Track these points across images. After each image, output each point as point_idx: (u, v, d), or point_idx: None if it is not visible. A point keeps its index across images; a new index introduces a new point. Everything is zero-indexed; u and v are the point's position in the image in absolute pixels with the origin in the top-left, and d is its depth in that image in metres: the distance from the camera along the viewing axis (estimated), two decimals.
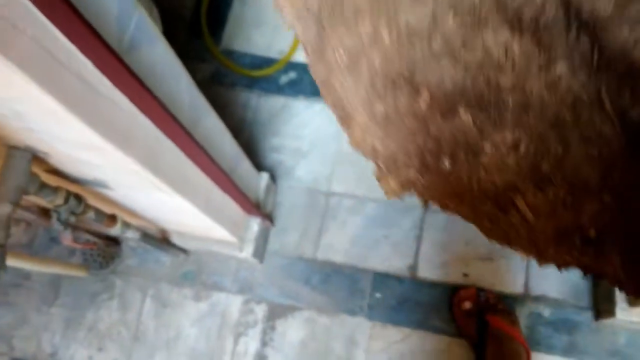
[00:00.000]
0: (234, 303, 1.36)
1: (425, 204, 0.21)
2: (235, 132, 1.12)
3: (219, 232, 1.17)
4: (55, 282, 1.40)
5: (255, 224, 1.30)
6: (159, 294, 1.37)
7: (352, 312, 1.32)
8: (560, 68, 0.19)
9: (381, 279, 1.34)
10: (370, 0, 0.20)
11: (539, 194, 0.19)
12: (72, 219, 0.86)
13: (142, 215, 1.13)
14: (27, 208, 1.06)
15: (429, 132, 0.20)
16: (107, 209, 0.97)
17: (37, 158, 0.76)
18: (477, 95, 0.19)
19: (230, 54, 1.54)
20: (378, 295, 1.33)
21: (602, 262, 0.19)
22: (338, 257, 1.36)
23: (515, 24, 0.19)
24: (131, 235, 1.05)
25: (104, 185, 0.89)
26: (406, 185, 0.21)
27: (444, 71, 0.19)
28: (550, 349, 1.25)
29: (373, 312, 1.32)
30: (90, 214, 0.89)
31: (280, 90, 1.50)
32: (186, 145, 0.82)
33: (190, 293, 1.37)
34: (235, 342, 1.33)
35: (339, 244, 1.37)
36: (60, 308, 1.39)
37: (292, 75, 1.50)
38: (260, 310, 1.35)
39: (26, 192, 0.73)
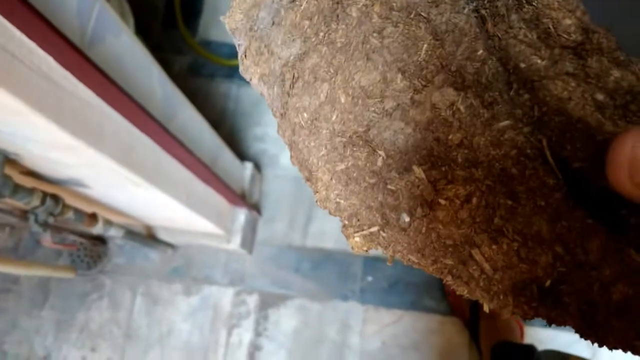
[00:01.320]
0: (225, 295, 1.35)
1: (391, 259, 0.22)
2: (217, 123, 1.10)
3: (205, 225, 1.16)
4: (44, 285, 1.39)
5: (241, 215, 1.29)
6: (149, 290, 1.36)
7: (344, 297, 1.32)
8: (504, 124, 0.20)
9: (372, 262, 1.33)
10: (327, 65, 0.22)
11: (494, 247, 0.20)
12: (51, 220, 0.85)
13: (124, 212, 1.12)
14: (9, 212, 1.04)
15: (387, 188, 0.21)
16: (88, 208, 0.95)
17: (9, 160, 0.74)
18: (428, 153, 0.21)
19: (207, 44, 1.52)
20: (369, 278, 1.33)
21: (561, 312, 0.21)
22: (327, 244, 1.36)
23: (459, 83, 0.21)
24: (114, 233, 1.04)
25: (80, 184, 0.88)
26: (370, 241, 0.22)
27: (396, 130, 0.21)
28: (543, 323, 1.25)
29: (365, 296, 1.32)
30: (70, 214, 0.88)
31: None
32: (161, 139, 0.81)
33: (181, 288, 1.36)
34: (229, 334, 1.33)
35: (328, 231, 1.36)
36: (50, 311, 1.37)
37: None
38: (252, 301, 1.34)
39: (0, 196, 0.72)
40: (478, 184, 0.20)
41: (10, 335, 1.36)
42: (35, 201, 0.79)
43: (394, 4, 0.22)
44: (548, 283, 0.20)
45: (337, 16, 0.22)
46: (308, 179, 0.23)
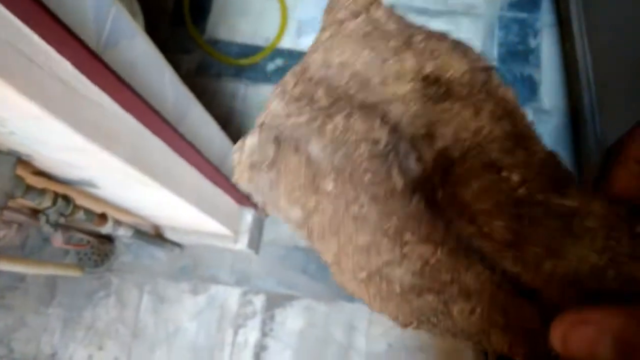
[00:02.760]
0: (232, 295, 1.35)
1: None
2: (225, 123, 1.10)
3: (213, 225, 1.16)
4: (51, 283, 1.39)
5: (249, 215, 1.29)
6: (156, 289, 1.37)
7: (350, 299, 1.32)
8: (478, 268, 0.23)
9: None
10: (329, 226, 0.24)
11: (502, 336, 0.23)
12: (62, 220, 0.85)
13: (133, 212, 1.12)
14: (17, 210, 1.05)
15: (412, 304, 0.24)
16: (97, 208, 0.95)
17: (21, 161, 0.74)
18: (430, 286, 0.23)
19: (215, 43, 1.52)
20: None
21: None
22: None
23: (435, 241, 0.23)
24: (123, 232, 1.04)
25: (90, 184, 0.88)
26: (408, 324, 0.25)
27: (399, 275, 0.24)
28: None
29: None
30: (80, 214, 0.88)
31: (267, 78, 1.48)
32: (172, 140, 0.81)
33: (188, 287, 1.37)
34: (235, 334, 1.33)
35: None
36: (57, 308, 1.38)
37: (278, 62, 1.49)
38: (259, 301, 1.34)
39: (12, 197, 0.72)
40: (477, 303, 0.23)
41: (18, 333, 1.37)
42: (47, 202, 0.80)
43: (357, 186, 0.24)
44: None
45: (318, 188, 0.24)
46: (352, 295, 0.26)
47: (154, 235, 1.25)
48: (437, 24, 1.59)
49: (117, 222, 1.01)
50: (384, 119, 0.24)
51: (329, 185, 0.24)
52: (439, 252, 0.23)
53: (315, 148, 0.24)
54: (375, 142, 0.24)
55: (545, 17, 1.54)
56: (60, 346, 1.35)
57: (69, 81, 0.58)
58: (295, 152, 0.25)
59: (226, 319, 1.34)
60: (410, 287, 0.24)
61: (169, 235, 1.30)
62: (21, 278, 1.39)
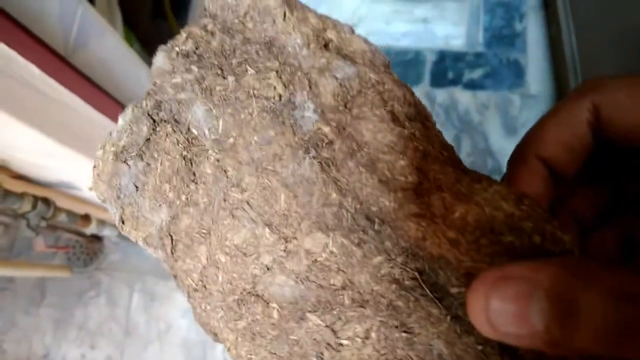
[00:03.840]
0: None
1: None
2: None
3: None
4: (41, 283, 1.38)
5: None
6: (145, 287, 1.36)
7: None
8: (377, 259, 0.20)
9: None
10: (199, 227, 0.22)
11: None
12: (43, 224, 0.84)
13: None
14: (2, 211, 1.04)
15: (290, 338, 0.21)
16: (80, 209, 0.94)
17: None
18: (316, 300, 0.20)
19: None
20: None
21: None
22: None
23: (324, 227, 0.20)
24: (109, 232, 1.03)
25: (71, 186, 0.87)
26: None
27: (280, 284, 0.21)
28: None
29: None
30: (62, 217, 0.87)
31: None
32: None
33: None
34: None
35: None
36: (48, 308, 1.37)
37: None
38: None
39: None
40: (372, 320, 0.20)
41: (9, 334, 1.36)
42: (27, 206, 0.79)
43: (241, 159, 0.21)
44: None
45: (194, 174, 0.22)
46: (216, 340, 0.23)
47: None
48: (422, 10, 1.57)
49: (102, 223, 1.01)
50: (279, 58, 0.21)
51: (207, 167, 0.21)
52: (330, 242, 0.20)
53: (199, 112, 0.22)
54: (268, 98, 0.21)
55: (530, 0, 1.52)
56: (53, 346, 1.35)
57: (36, 85, 0.56)
58: (174, 126, 0.22)
59: None
60: (290, 307, 0.21)
61: None
62: (10, 279, 1.38)
